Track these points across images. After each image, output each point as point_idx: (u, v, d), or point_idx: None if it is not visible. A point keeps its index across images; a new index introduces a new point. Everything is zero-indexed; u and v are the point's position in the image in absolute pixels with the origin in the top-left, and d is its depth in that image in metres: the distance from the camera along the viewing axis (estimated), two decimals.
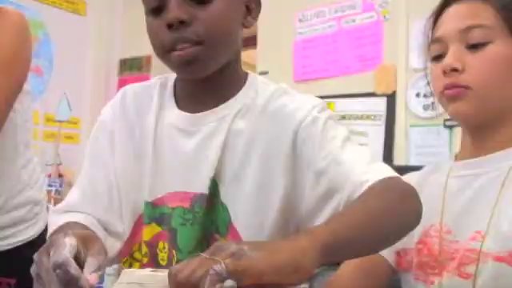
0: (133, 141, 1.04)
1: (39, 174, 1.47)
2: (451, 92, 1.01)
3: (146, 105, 1.06)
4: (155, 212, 1.01)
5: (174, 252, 0.98)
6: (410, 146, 2.82)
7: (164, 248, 1.00)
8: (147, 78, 1.17)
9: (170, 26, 0.91)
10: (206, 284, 0.63)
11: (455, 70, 1.01)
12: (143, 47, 3.41)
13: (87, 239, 0.77)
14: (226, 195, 0.98)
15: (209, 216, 0.98)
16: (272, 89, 1.02)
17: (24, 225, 1.39)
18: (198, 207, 0.98)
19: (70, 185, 3.30)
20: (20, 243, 1.37)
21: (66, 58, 3.85)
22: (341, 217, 0.81)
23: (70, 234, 0.74)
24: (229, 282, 0.63)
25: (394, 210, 0.84)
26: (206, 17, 0.92)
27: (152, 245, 1.01)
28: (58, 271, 0.69)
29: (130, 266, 1.02)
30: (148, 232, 1.01)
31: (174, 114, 1.03)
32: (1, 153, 1.32)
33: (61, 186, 3.59)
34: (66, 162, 3.69)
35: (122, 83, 4.03)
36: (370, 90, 2.96)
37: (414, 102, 2.82)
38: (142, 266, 1.00)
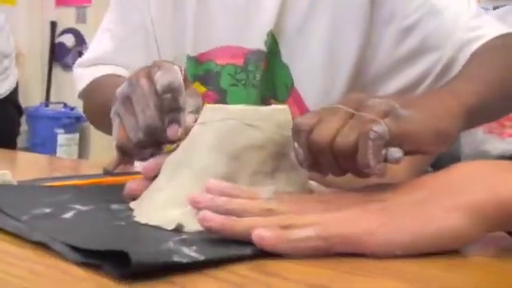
0: None
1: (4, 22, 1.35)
2: None
3: None
4: (199, 69, 0.91)
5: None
6: None
7: None
8: None
9: None
10: (369, 152, 0.48)
11: None
12: None
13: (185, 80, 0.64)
14: (287, 53, 0.86)
15: (266, 78, 0.87)
16: None
17: None
18: (253, 66, 0.87)
19: None
20: None
21: None
22: (474, 76, 0.69)
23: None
24: (396, 152, 0.50)
25: None
26: None
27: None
28: (166, 95, 0.60)
29: None
30: None
31: None
32: None
33: None
34: None
35: None
36: None
37: None
38: None
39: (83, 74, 0.97)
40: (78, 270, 0.43)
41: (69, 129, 4.23)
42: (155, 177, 0.62)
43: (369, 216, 0.48)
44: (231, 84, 0.89)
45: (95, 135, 4.10)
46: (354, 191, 0.53)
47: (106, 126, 0.77)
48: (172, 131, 0.61)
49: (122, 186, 0.64)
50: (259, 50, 0.87)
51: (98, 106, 0.86)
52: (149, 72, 0.62)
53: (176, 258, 0.43)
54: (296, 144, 0.54)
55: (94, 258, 0.43)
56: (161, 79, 0.61)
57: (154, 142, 0.62)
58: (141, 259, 0.41)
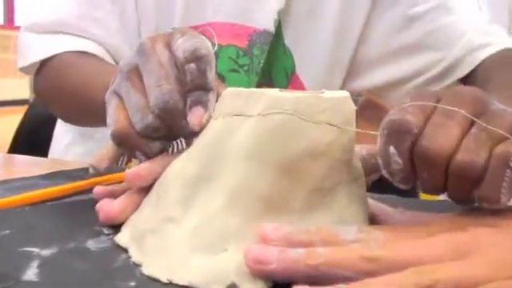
0: None
1: None
2: None
3: None
4: None
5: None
6: None
7: None
8: None
9: None
10: (504, 184, 0.36)
11: None
12: None
13: None
14: (292, 36, 0.78)
15: (267, 63, 0.77)
16: None
17: None
18: (259, 49, 0.76)
19: None
20: None
21: None
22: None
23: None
24: None
25: None
26: None
27: None
28: (190, 66, 0.43)
29: None
30: None
31: None
32: None
33: None
34: None
35: None
36: None
37: None
38: None
39: (37, 41, 0.75)
40: None
41: None
42: (147, 190, 0.43)
43: None
44: (231, 69, 0.76)
45: None
46: (448, 219, 0.39)
47: (74, 114, 0.70)
48: (195, 116, 0.43)
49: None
50: (267, 32, 0.76)
51: (66, 88, 0.71)
52: (168, 38, 0.46)
53: None
54: (392, 148, 0.38)
55: None
56: (183, 44, 0.44)
57: (167, 131, 0.44)
58: None
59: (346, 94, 0.41)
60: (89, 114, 0.57)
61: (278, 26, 0.77)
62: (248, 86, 0.75)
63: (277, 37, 0.77)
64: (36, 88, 0.80)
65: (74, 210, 0.48)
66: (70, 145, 0.86)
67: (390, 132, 0.39)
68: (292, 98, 0.39)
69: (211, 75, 0.44)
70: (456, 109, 0.39)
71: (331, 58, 0.80)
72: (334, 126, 0.39)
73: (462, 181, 0.37)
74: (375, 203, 0.45)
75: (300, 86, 0.79)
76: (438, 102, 0.41)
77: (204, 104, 0.44)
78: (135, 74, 0.46)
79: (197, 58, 0.44)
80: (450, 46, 0.77)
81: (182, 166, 0.41)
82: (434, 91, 0.43)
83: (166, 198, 0.40)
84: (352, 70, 0.82)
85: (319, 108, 0.39)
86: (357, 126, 0.41)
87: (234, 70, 0.76)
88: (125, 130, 0.45)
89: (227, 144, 0.40)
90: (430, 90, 0.43)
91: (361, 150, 0.46)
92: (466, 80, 0.79)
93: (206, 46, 0.45)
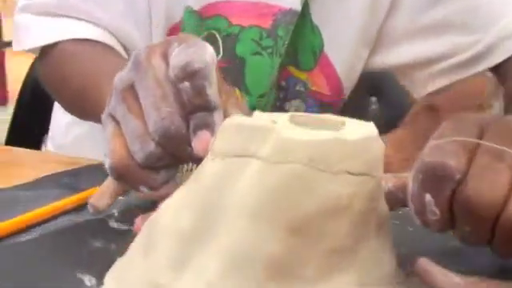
0: None
1: None
2: None
3: None
4: (202, 27, 0.69)
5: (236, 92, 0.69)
6: None
7: None
8: None
9: None
10: None
11: None
12: None
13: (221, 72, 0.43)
14: (320, 13, 0.72)
15: (292, 43, 0.72)
16: None
17: None
18: (283, 30, 0.70)
19: None
20: None
21: None
22: None
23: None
24: None
25: None
26: None
27: None
28: (184, 84, 0.38)
29: None
30: None
31: None
32: None
33: None
34: None
35: None
36: None
37: None
38: None
39: (36, 24, 0.68)
40: None
41: None
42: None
43: None
44: (254, 52, 0.70)
45: None
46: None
47: (78, 113, 0.67)
48: (201, 141, 0.38)
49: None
50: (293, 11, 0.69)
51: (69, 86, 0.65)
52: (166, 48, 0.41)
53: None
54: (428, 196, 0.33)
55: None
56: (174, 59, 0.39)
57: (172, 159, 0.39)
58: None
59: (372, 131, 0.34)
60: (94, 115, 0.51)
61: (305, 4, 0.71)
62: (271, 69, 0.70)
63: (303, 15, 0.71)
64: (40, 74, 0.74)
65: (57, 244, 0.42)
66: (70, 125, 0.80)
67: (427, 178, 0.33)
68: (307, 142, 0.32)
69: (212, 90, 0.38)
70: (506, 149, 0.32)
71: (361, 33, 0.73)
72: (356, 174, 0.32)
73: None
74: (442, 272, 0.39)
75: (328, 65, 0.74)
76: (481, 133, 0.34)
77: (209, 126, 0.38)
78: (131, 93, 0.40)
79: (189, 74, 0.37)
80: (485, 28, 0.70)
81: (174, 216, 0.34)
82: (476, 118, 0.36)
83: (155, 257, 0.33)
84: (378, 45, 0.77)
85: (339, 155, 0.32)
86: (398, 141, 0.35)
87: (257, 53, 0.70)
88: (124, 162, 0.39)
89: (227, 193, 0.33)
90: (471, 116, 0.37)
91: (386, 182, 0.39)
92: (497, 70, 0.73)
93: (201, 58, 0.38)
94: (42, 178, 0.54)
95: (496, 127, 0.34)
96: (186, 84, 0.37)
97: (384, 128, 1.30)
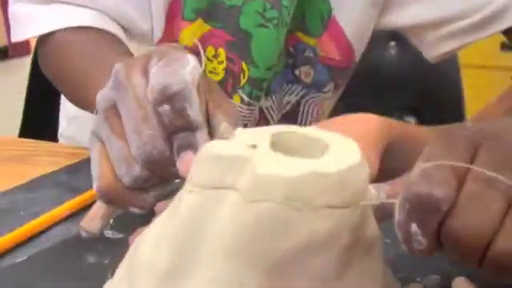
0: None
1: None
2: None
3: None
4: (202, 1, 0.68)
5: (242, 65, 0.69)
6: None
7: (217, 56, 0.70)
8: None
9: None
10: None
11: None
12: None
13: (208, 80, 0.42)
14: None
15: (300, 10, 0.70)
16: None
17: None
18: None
19: None
20: None
21: None
22: None
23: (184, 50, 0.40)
24: None
25: None
26: None
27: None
28: (164, 107, 0.36)
29: None
30: (189, 33, 0.68)
31: None
32: None
33: None
34: None
35: None
36: None
37: None
38: None
39: (32, 13, 0.66)
40: None
41: None
42: None
43: None
44: (258, 25, 0.68)
45: None
46: None
47: (78, 104, 0.64)
48: (185, 163, 0.37)
49: None
50: None
51: (67, 78, 0.65)
52: (145, 64, 0.39)
53: None
54: (414, 226, 0.31)
55: None
56: (153, 79, 0.37)
57: (159, 179, 0.39)
58: None
59: (357, 157, 0.32)
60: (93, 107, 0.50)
61: None
62: (278, 42, 0.69)
63: None
64: (40, 63, 0.73)
65: (51, 263, 0.42)
66: (76, 114, 0.79)
67: (413, 208, 0.31)
68: (284, 179, 0.30)
69: (193, 111, 0.37)
70: (499, 176, 0.29)
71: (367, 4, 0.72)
72: (339, 208, 0.30)
73: (503, 271, 0.30)
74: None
75: (338, 30, 0.72)
76: (474, 152, 0.31)
77: (192, 146, 0.37)
78: (113, 112, 0.39)
79: (168, 97, 0.36)
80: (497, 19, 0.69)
81: (152, 252, 0.33)
82: (469, 134, 0.33)
83: None
84: (388, 5, 0.74)
85: (319, 190, 0.30)
86: None
87: (262, 25, 0.68)
88: (111, 186, 0.39)
89: (205, 227, 0.31)
90: (464, 131, 0.33)
91: (379, 192, 0.37)
92: (510, 33, 0.70)
93: (180, 78, 0.36)
94: (40, 177, 0.54)
95: (490, 146, 0.31)
96: (166, 107, 0.36)
97: (403, 73, 1.24)
